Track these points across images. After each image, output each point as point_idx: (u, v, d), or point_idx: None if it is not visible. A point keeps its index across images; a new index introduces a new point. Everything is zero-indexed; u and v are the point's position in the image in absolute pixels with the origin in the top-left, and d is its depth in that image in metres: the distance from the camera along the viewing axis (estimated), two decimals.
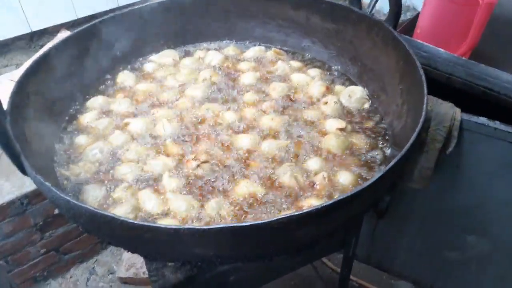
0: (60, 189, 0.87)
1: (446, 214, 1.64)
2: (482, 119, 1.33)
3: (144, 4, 1.57)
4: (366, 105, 1.34)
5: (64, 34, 2.83)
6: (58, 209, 0.95)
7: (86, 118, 1.32)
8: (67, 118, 1.33)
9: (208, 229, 0.75)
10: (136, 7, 1.54)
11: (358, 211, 0.93)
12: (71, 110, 1.36)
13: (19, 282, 2.01)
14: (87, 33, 1.41)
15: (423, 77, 1.09)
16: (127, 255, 2.16)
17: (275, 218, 0.75)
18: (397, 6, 1.24)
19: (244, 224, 0.75)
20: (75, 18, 2.78)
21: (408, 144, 0.94)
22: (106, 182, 1.12)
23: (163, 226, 0.76)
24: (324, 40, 1.54)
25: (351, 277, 2.28)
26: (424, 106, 1.01)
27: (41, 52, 1.26)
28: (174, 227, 0.75)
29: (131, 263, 2.10)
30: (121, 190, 1.09)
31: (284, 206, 1.05)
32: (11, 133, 0.89)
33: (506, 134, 1.29)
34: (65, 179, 1.13)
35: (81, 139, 1.25)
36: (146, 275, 2.06)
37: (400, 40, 1.23)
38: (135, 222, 0.75)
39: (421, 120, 0.98)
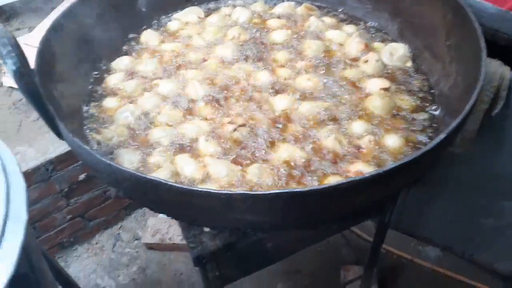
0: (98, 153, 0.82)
1: (484, 179, 1.58)
2: None
3: None
4: (409, 64, 1.26)
5: None
6: (97, 174, 0.91)
7: (112, 80, 1.25)
8: (92, 80, 1.27)
9: (264, 194, 0.70)
10: None
11: (415, 177, 0.87)
12: (96, 72, 1.29)
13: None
14: None
15: (479, 31, 1.00)
16: (152, 221, 2.15)
17: (337, 183, 0.70)
18: None
19: (303, 189, 0.70)
20: None
21: (467, 108, 0.85)
22: (140, 146, 1.07)
23: (214, 191, 0.71)
24: None
25: (368, 237, 2.27)
26: (482, 63, 0.93)
27: (61, 9, 1.18)
28: (226, 192, 0.71)
29: (156, 229, 2.09)
30: (157, 154, 1.04)
31: (329, 171, 1.00)
32: (44, 95, 0.83)
33: None
34: (96, 143, 1.08)
35: (109, 102, 1.19)
36: (172, 241, 2.05)
37: None
38: (185, 187, 0.70)
39: (480, 80, 0.90)
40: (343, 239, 2.16)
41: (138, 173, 0.73)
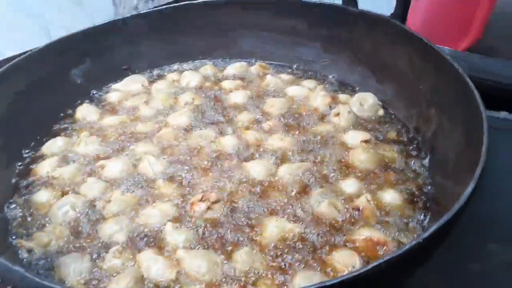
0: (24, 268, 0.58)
1: (468, 222, 1.50)
2: (504, 114, 1.22)
3: (97, 24, 1.31)
4: (381, 112, 1.18)
5: None
6: None
7: (44, 168, 1.01)
8: (17, 171, 1.02)
9: None
10: (89, 26, 1.29)
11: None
12: (21, 161, 1.05)
13: None
14: (31, 61, 1.12)
15: (460, 70, 0.94)
16: None
17: (381, 261, 0.53)
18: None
19: (334, 281, 0.52)
20: (2, 58, 2.42)
21: (480, 167, 0.74)
22: (88, 249, 0.83)
23: None
24: (314, 48, 1.37)
25: None
26: (479, 102, 0.85)
27: None
28: None
29: None
30: (112, 256, 0.80)
31: (332, 242, 0.83)
32: None
33: None
34: (26, 252, 0.82)
35: (41, 196, 0.94)
36: None
37: (415, 34, 1.09)
38: None
39: (485, 123, 0.81)
40: None
41: None
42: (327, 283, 0.53)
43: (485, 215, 1.46)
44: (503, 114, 1.22)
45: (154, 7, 1.74)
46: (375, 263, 0.55)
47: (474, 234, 1.53)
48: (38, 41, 2.51)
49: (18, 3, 2.29)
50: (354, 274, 0.54)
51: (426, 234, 0.59)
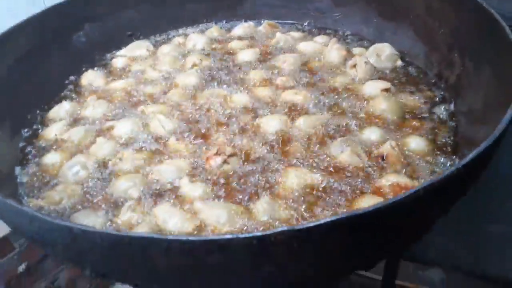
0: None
1: (487, 181, 1.44)
2: None
3: None
4: (399, 62, 1.12)
5: None
6: (48, 250, 0.62)
7: (52, 131, 0.98)
8: (25, 135, 0.99)
9: (316, 226, 0.46)
10: None
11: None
12: (29, 126, 1.01)
13: None
14: (35, 23, 1.08)
15: (484, 3, 0.88)
16: None
17: (419, 187, 0.48)
18: None
19: (372, 208, 0.47)
20: None
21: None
22: (102, 205, 0.79)
23: (242, 236, 0.46)
24: (324, 2, 1.31)
25: (371, 275, 2.04)
26: (507, 30, 0.79)
27: None
28: (261, 234, 0.46)
29: None
30: (127, 211, 0.76)
31: (360, 189, 0.78)
32: None
33: None
34: (37, 210, 0.78)
35: (51, 158, 0.91)
36: None
37: None
38: (202, 238, 0.45)
39: None
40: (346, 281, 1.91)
41: (128, 233, 0.47)
42: (356, 213, 0.48)
43: (503, 172, 1.40)
44: None
45: None
46: (412, 190, 0.50)
47: (497, 194, 1.48)
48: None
49: None
50: (388, 202, 0.49)
51: (464, 161, 0.54)
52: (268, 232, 0.46)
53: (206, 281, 0.53)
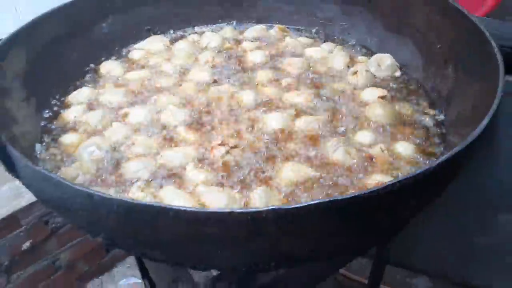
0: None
1: (474, 194, 1.51)
2: None
3: None
4: (398, 73, 1.19)
5: None
6: (68, 216, 0.70)
7: (71, 113, 1.06)
8: (46, 116, 1.07)
9: (304, 206, 0.54)
10: None
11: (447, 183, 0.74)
12: (50, 107, 1.09)
13: None
14: (57, 16, 1.16)
15: (481, 27, 0.95)
16: None
17: (394, 180, 0.56)
18: None
19: (351, 195, 0.55)
20: None
21: (493, 109, 0.76)
22: (113, 183, 0.87)
23: (239, 211, 0.54)
24: (333, 11, 1.38)
25: (359, 278, 2.11)
26: (495, 50, 0.87)
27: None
28: (256, 210, 0.54)
29: None
30: (137, 190, 0.84)
31: (345, 185, 0.86)
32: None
33: None
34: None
35: (69, 138, 0.99)
36: None
37: None
38: (205, 210, 0.52)
39: (500, 78, 0.82)
40: (333, 283, 1.98)
41: (141, 202, 0.55)
42: (340, 197, 0.55)
43: (494, 185, 1.47)
44: None
45: None
46: (389, 182, 0.57)
47: (483, 204, 1.55)
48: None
49: None
50: (370, 190, 0.57)
51: (438, 162, 0.61)
52: (261, 209, 0.54)
53: (204, 250, 0.61)
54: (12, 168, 0.67)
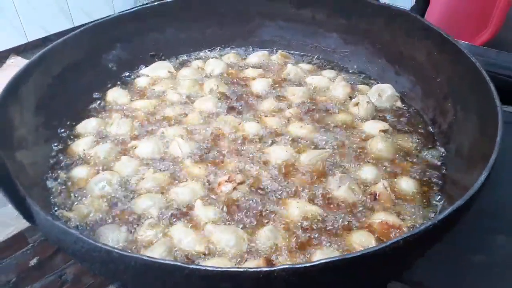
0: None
1: (473, 215, 1.55)
2: None
3: (127, 11, 1.37)
4: (398, 103, 1.23)
5: (14, 60, 2.53)
6: (85, 265, 0.72)
7: (80, 145, 1.08)
8: (55, 147, 1.09)
9: (313, 266, 0.57)
10: (116, 14, 1.34)
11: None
12: (59, 138, 1.12)
13: None
14: (65, 46, 1.18)
15: (477, 63, 0.98)
16: None
17: (399, 238, 0.59)
18: None
19: (359, 253, 0.58)
20: (26, 42, 2.49)
21: (494, 155, 0.79)
22: (124, 221, 0.90)
23: (251, 270, 0.57)
24: (334, 39, 1.41)
25: None
26: (494, 96, 0.90)
27: (14, 73, 1.02)
28: (266, 269, 0.56)
29: None
30: (147, 228, 0.87)
31: (352, 223, 0.89)
32: (12, 172, 0.65)
33: None
34: (65, 221, 0.89)
35: (79, 171, 1.01)
36: None
37: (434, 28, 1.13)
38: (218, 268, 0.55)
39: (499, 116, 0.85)
40: None
41: (158, 260, 0.57)
42: (346, 256, 0.59)
43: (493, 207, 1.51)
44: None
45: None
46: (393, 240, 0.60)
47: (481, 226, 1.58)
48: (60, 25, 2.59)
49: None
50: (373, 249, 0.60)
51: (440, 217, 0.65)
52: (272, 268, 0.57)
53: None
54: (30, 219, 0.69)
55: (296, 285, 0.59)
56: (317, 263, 0.57)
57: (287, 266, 0.57)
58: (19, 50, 2.52)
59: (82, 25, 2.66)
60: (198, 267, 0.57)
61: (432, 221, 0.64)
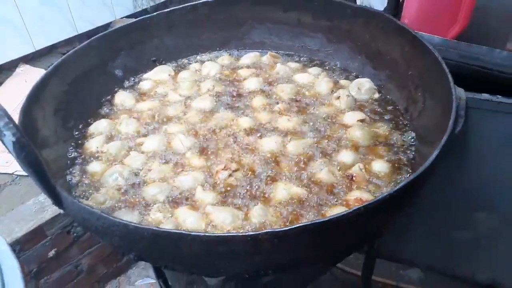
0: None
1: (454, 194, 1.68)
2: (485, 95, 1.38)
3: (129, 22, 1.51)
4: (376, 95, 1.36)
5: (23, 68, 2.68)
6: (107, 239, 0.87)
7: (93, 143, 1.23)
8: (72, 146, 1.24)
9: (290, 229, 0.71)
10: (120, 25, 1.48)
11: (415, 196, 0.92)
12: (75, 137, 1.26)
13: None
14: (76, 56, 1.32)
15: (439, 58, 1.12)
16: None
17: (360, 206, 0.73)
18: None
19: (328, 218, 0.72)
20: (33, 51, 2.64)
21: (446, 135, 0.93)
22: (135, 206, 1.05)
23: (241, 234, 0.71)
24: (318, 39, 1.55)
25: (357, 272, 2.29)
26: (451, 84, 1.03)
27: (34, 83, 1.16)
28: (253, 233, 0.71)
29: None
30: (156, 211, 1.01)
31: (329, 202, 1.03)
32: (44, 164, 0.80)
33: (510, 106, 1.35)
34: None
35: (95, 166, 1.16)
36: None
37: (404, 27, 1.26)
38: (214, 234, 0.69)
39: (453, 105, 0.99)
40: (330, 275, 2.16)
41: (166, 229, 0.72)
42: (317, 221, 0.73)
43: (475, 187, 1.64)
44: (485, 95, 1.39)
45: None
46: (355, 207, 0.75)
47: (465, 204, 1.72)
48: (65, 33, 2.74)
49: None
50: (340, 214, 0.74)
51: (395, 188, 0.78)
52: (257, 232, 0.71)
53: (216, 263, 0.78)
54: (59, 204, 0.84)
55: (278, 246, 0.73)
56: (293, 227, 0.71)
57: (269, 230, 0.71)
58: (27, 59, 2.68)
59: (86, 33, 2.83)
60: (199, 233, 0.72)
61: (388, 192, 0.78)
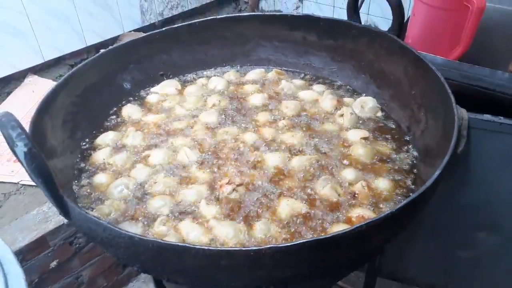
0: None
1: (456, 213, 1.69)
2: (487, 116, 1.40)
3: (139, 37, 1.55)
4: (379, 114, 1.38)
5: (31, 79, 2.72)
6: (111, 250, 0.88)
7: (100, 155, 1.25)
8: (79, 157, 1.26)
9: (292, 245, 0.72)
10: (129, 39, 1.52)
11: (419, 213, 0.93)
12: (82, 149, 1.28)
13: None
14: (86, 69, 1.35)
15: (442, 78, 1.14)
16: None
17: (362, 223, 0.74)
18: (400, 16, 1.31)
19: (330, 235, 0.73)
20: (42, 61, 2.68)
21: (448, 155, 0.94)
22: (140, 218, 1.06)
23: (244, 249, 0.72)
24: (323, 57, 1.57)
25: None
26: (453, 105, 1.05)
27: (45, 94, 1.19)
28: (255, 248, 0.72)
29: None
30: (160, 224, 1.03)
31: (331, 219, 1.04)
32: (53, 174, 0.82)
33: (511, 127, 1.37)
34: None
35: (101, 178, 1.18)
36: None
37: (408, 47, 1.29)
38: (218, 248, 0.71)
39: (456, 125, 1.00)
40: None
41: (171, 242, 0.73)
42: (319, 238, 0.74)
43: (472, 205, 1.65)
44: (487, 116, 1.40)
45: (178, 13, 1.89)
46: (357, 225, 0.76)
47: (465, 223, 1.73)
48: (74, 45, 2.79)
49: (55, 11, 2.56)
50: (341, 232, 0.75)
51: (397, 207, 0.80)
52: (260, 247, 0.72)
53: (217, 277, 0.79)
54: (66, 214, 0.85)
55: (281, 261, 0.74)
56: (296, 243, 0.72)
57: (272, 245, 0.72)
58: (35, 70, 2.72)
59: (94, 45, 2.88)
60: (202, 247, 0.73)
61: (390, 210, 0.79)
